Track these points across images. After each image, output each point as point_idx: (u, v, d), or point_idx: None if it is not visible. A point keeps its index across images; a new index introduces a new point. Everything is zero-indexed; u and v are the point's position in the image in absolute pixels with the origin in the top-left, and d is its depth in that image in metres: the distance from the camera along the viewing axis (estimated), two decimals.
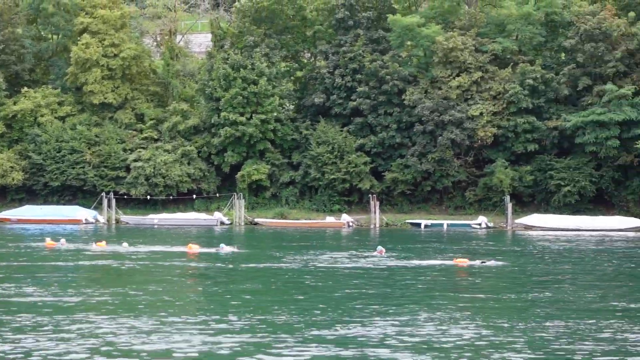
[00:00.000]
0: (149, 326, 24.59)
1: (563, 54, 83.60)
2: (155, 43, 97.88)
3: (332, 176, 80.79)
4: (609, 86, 77.89)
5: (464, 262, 43.47)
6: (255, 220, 79.62)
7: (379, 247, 48.14)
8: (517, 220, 76.92)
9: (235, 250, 50.83)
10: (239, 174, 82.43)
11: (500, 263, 43.97)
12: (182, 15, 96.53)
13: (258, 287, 34.87)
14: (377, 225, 77.72)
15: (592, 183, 78.58)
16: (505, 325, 25.60)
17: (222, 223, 78.38)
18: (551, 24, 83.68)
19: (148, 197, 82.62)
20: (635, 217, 76.86)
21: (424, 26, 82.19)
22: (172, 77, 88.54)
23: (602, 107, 77.57)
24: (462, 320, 26.41)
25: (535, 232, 73.15)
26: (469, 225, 76.54)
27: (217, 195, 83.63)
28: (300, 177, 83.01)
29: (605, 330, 24.87)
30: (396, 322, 25.59)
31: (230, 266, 42.56)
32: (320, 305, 28.98)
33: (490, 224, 76.85)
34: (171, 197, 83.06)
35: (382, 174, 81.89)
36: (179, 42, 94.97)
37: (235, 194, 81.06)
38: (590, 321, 26.21)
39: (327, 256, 47.19)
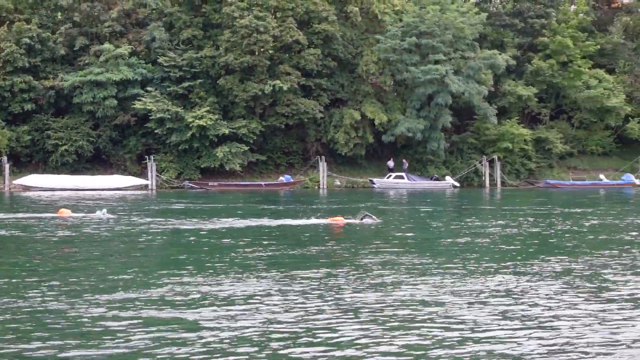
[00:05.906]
0: None
1: (59, 13, 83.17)
2: None
3: None
4: (106, 45, 79.01)
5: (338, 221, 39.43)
6: None
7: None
8: (15, 181, 75.60)
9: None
10: None
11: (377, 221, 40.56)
12: None
13: None
14: None
15: (90, 142, 79.30)
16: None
17: None
18: None
19: None
20: (133, 175, 78.89)
21: None
22: None
23: (100, 66, 78.54)
24: None
25: (34, 192, 72.36)
26: None
27: None
28: None
29: None
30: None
31: None
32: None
33: None
34: None
35: None
36: None
37: None
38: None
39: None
